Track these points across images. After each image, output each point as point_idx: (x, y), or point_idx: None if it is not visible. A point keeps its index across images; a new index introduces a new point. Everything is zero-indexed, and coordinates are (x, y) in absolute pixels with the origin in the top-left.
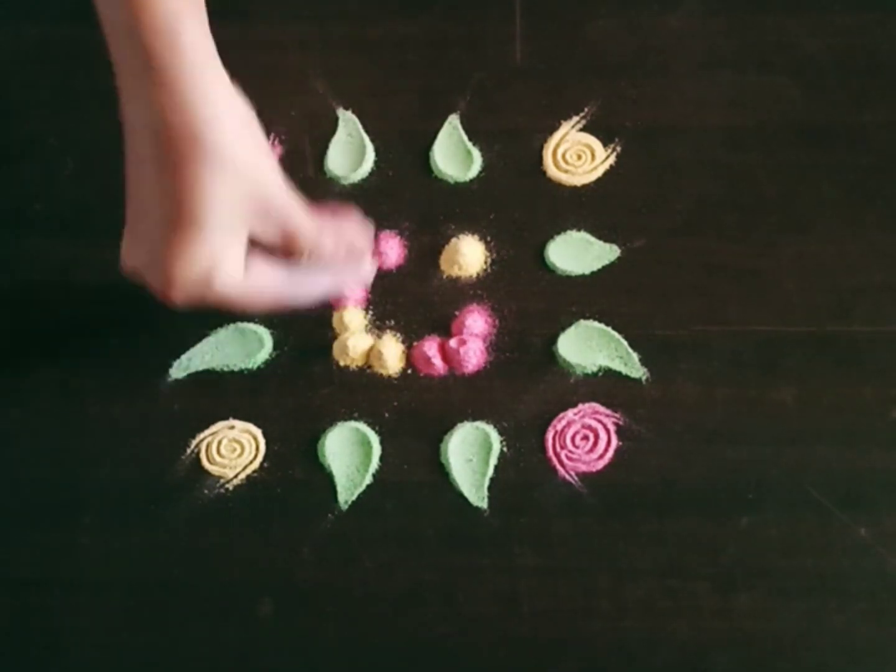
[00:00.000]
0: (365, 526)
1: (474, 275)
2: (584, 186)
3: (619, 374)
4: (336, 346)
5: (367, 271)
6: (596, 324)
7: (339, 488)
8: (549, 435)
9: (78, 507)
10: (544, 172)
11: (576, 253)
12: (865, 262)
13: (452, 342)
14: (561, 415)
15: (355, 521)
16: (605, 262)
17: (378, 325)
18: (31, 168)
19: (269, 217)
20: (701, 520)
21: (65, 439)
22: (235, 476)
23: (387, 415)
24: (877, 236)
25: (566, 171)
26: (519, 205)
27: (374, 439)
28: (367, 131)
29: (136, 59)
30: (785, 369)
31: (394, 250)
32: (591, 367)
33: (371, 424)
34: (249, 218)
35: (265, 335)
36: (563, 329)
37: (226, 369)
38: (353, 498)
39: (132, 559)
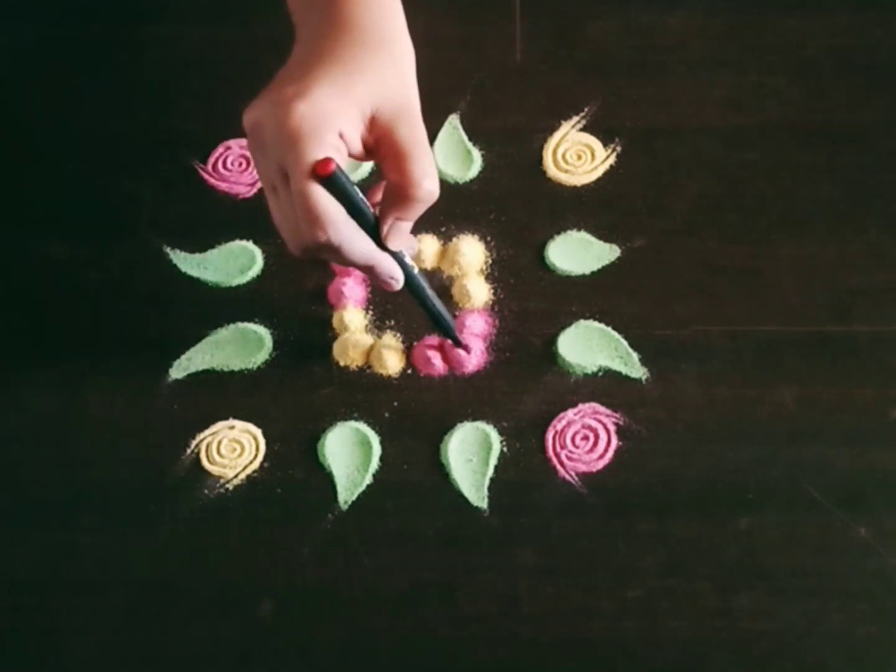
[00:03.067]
0: (365, 526)
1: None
2: (584, 186)
3: (619, 374)
4: (336, 346)
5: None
6: (596, 324)
7: (339, 488)
8: (549, 435)
9: (78, 507)
10: (544, 172)
11: (576, 253)
12: (865, 262)
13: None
14: (561, 415)
15: (355, 521)
16: (605, 262)
17: (378, 325)
18: (31, 168)
19: (397, 128)
20: (701, 520)
21: (65, 439)
22: (235, 476)
23: (387, 415)
24: (877, 236)
25: (566, 171)
26: (519, 205)
27: (374, 439)
28: None
29: None
30: (785, 369)
31: None
32: (591, 367)
33: (371, 424)
34: (376, 111)
35: (265, 335)
36: (563, 329)
37: (226, 369)
38: (353, 498)
39: (132, 559)
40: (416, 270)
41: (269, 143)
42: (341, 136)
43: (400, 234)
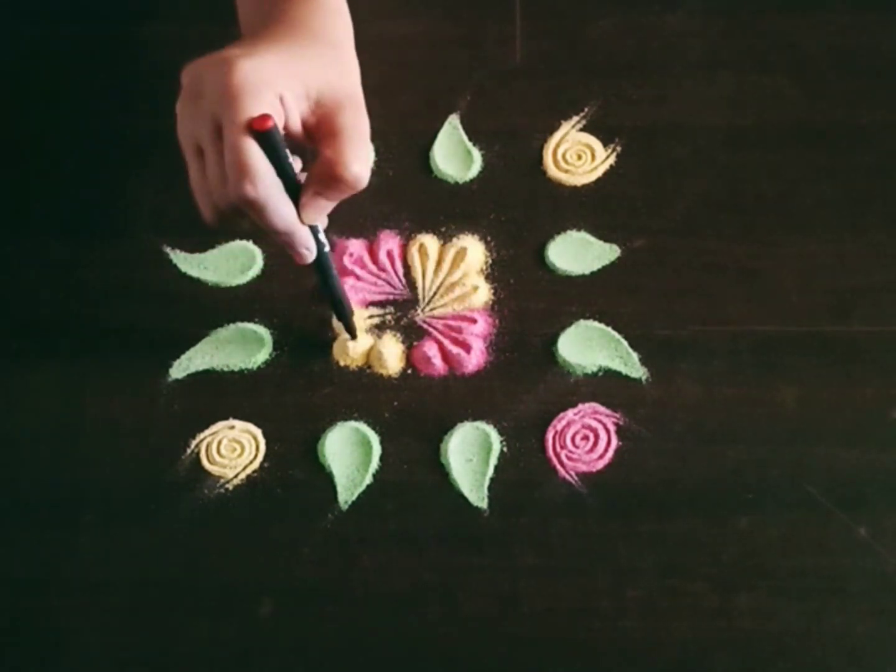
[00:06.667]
0: (365, 526)
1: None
2: (584, 186)
3: (619, 374)
4: (336, 346)
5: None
6: (596, 324)
7: (339, 488)
8: (549, 435)
9: (78, 507)
10: (544, 172)
11: (576, 253)
12: (865, 262)
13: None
14: (561, 415)
15: (355, 521)
16: (605, 262)
17: (378, 325)
18: (31, 168)
19: (340, 113)
20: (701, 520)
21: (65, 439)
22: (235, 476)
23: (387, 415)
24: (877, 236)
25: (566, 171)
26: (519, 205)
27: (374, 439)
28: None
29: None
30: (785, 369)
31: (394, 250)
32: (591, 367)
33: (371, 424)
34: (321, 95)
35: (265, 335)
36: (563, 329)
37: (226, 369)
38: (353, 498)
39: (132, 559)
40: (326, 248)
41: (206, 95)
42: (282, 100)
43: (318, 209)
